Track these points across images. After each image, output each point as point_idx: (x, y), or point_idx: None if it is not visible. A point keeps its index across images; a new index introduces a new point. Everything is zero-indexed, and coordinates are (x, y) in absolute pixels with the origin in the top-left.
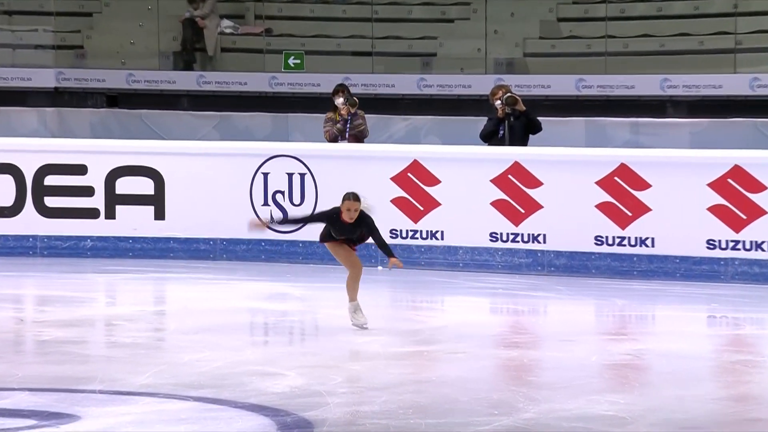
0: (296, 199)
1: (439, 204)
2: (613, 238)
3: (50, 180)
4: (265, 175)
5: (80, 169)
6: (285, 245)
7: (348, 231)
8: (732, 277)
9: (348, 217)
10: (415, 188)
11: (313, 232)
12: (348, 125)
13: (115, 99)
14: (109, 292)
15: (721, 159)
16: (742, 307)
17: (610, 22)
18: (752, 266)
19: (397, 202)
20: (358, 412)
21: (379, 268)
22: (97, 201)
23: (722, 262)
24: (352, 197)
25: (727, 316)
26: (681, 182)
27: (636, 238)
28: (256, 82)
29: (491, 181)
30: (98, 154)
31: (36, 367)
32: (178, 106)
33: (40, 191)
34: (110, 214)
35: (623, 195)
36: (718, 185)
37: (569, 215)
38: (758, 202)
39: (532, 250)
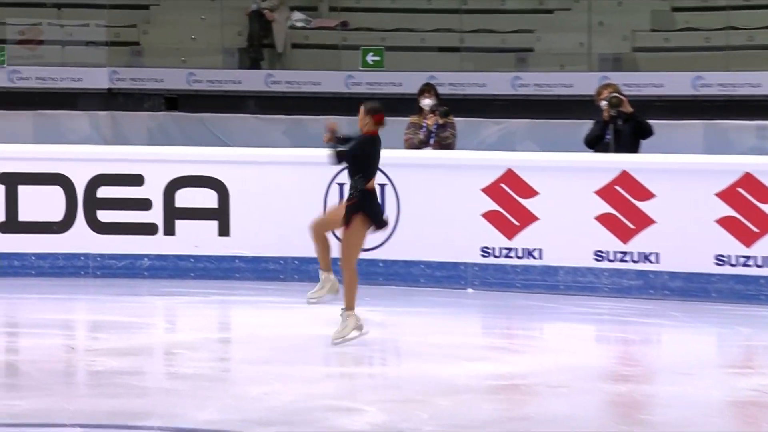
0: None
1: (537, 218)
2: (737, 257)
3: (103, 192)
4: (341, 186)
5: (136, 180)
6: (363, 264)
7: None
8: None
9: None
10: (510, 201)
11: (396, 250)
12: (433, 136)
13: (174, 101)
14: (168, 317)
15: None
16: None
17: (732, 12)
18: None
19: (489, 216)
20: None
21: (469, 290)
22: (155, 215)
23: None
24: (365, 104)
25: None
26: None
27: (763, 257)
28: (330, 81)
29: (596, 192)
30: (156, 162)
31: (88, 401)
32: (244, 108)
33: (92, 204)
34: (169, 230)
35: (748, 208)
36: None
37: (686, 231)
38: None
39: (643, 270)
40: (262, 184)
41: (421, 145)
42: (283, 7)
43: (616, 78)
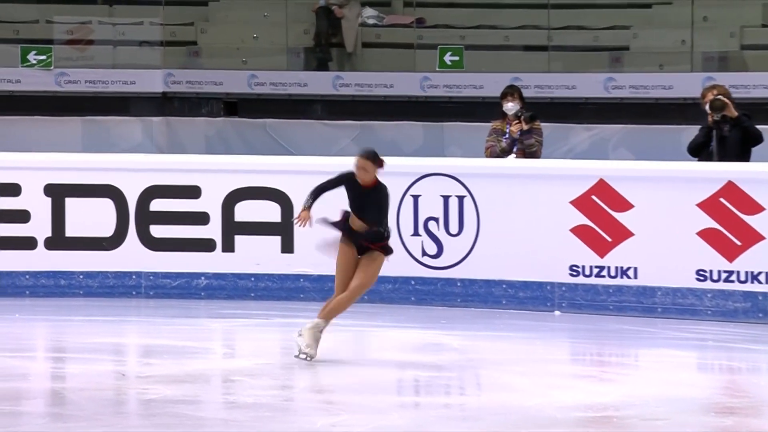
0: (453, 228)
1: (632, 234)
2: None
3: (157, 205)
4: (415, 198)
5: (192, 192)
6: (439, 284)
7: (365, 200)
8: None
9: (362, 176)
10: (602, 214)
11: (475, 268)
12: (516, 144)
13: (234, 106)
14: (226, 341)
15: None
16: None
17: None
18: None
19: (579, 231)
20: None
21: (556, 312)
22: (213, 230)
23: None
24: (365, 154)
25: None
26: None
27: None
28: (404, 84)
29: (698, 205)
30: (214, 173)
31: None
32: (310, 113)
33: (146, 219)
34: (228, 247)
35: None
36: None
37: None
38: None
39: (751, 292)
40: (328, 197)
41: (503, 153)
42: (353, 3)
43: (722, 79)
